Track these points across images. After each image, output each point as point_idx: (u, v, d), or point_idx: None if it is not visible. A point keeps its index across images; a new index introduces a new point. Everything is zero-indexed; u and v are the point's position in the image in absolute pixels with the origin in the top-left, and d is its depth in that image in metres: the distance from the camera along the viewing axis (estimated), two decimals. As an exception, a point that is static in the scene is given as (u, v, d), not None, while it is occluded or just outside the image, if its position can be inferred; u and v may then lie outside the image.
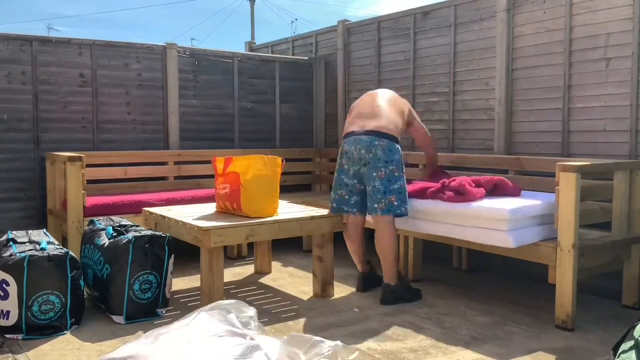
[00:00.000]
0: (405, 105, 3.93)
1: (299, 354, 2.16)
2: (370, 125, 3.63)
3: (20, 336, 2.95)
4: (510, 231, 3.27)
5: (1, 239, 3.35)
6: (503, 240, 3.29)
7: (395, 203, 3.56)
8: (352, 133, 3.69)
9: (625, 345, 2.02)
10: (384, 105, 3.75)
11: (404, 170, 3.64)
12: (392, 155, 3.56)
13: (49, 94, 4.69)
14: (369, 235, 3.90)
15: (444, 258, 4.58)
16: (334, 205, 3.79)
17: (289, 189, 5.54)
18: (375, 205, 3.58)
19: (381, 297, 3.62)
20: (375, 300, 3.66)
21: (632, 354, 1.95)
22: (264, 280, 4.21)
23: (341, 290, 3.88)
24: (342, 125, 5.91)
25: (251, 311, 2.46)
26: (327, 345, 2.22)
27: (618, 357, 1.99)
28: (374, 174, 3.56)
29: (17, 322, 2.95)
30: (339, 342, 2.24)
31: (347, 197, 3.73)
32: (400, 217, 3.66)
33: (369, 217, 3.79)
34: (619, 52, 3.71)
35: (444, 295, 3.80)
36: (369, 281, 3.90)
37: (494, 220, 3.32)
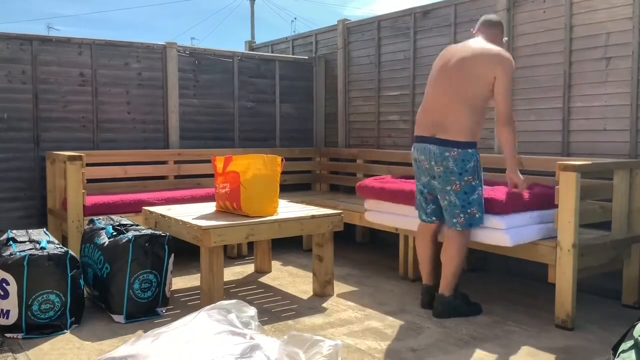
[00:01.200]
0: (494, 74, 3.19)
1: (299, 353, 2.16)
2: (441, 132, 3.24)
3: (20, 335, 2.95)
4: (508, 230, 3.28)
5: (1, 238, 3.35)
6: (500, 239, 3.30)
7: (477, 215, 3.26)
8: (421, 138, 3.35)
9: (625, 345, 2.02)
10: (456, 99, 3.24)
11: (480, 177, 3.28)
12: (466, 165, 3.21)
13: (49, 94, 4.69)
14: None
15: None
16: (419, 211, 3.54)
17: (289, 189, 5.55)
18: (454, 220, 3.27)
19: (433, 309, 3.36)
20: (375, 300, 3.66)
21: (632, 353, 1.95)
22: (264, 279, 4.21)
23: (341, 290, 3.88)
24: (342, 125, 5.93)
25: (252, 311, 2.46)
26: (327, 344, 2.22)
27: (618, 357, 1.99)
28: (448, 187, 3.25)
29: (17, 321, 2.95)
30: (339, 342, 2.24)
31: (424, 205, 3.47)
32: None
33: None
34: (618, 52, 3.71)
35: (444, 294, 3.80)
36: (433, 295, 3.45)
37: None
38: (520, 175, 3.36)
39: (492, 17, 3.52)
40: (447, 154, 3.20)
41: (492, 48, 3.27)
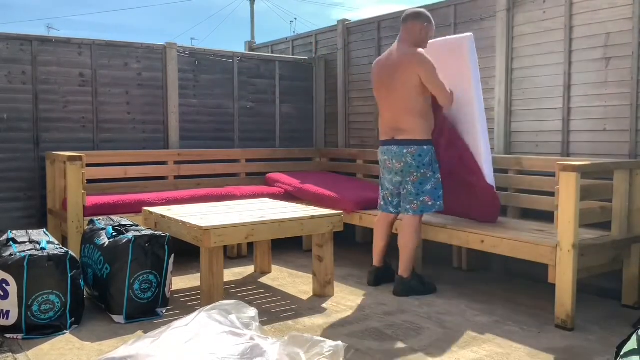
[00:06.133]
0: (418, 74, 3.61)
1: (299, 353, 2.16)
2: (398, 135, 3.73)
3: (20, 336, 2.95)
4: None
5: (1, 239, 3.34)
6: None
7: (430, 203, 3.72)
8: (384, 142, 3.85)
9: (626, 347, 2.01)
10: (403, 108, 3.69)
11: (435, 168, 3.74)
12: (423, 159, 3.68)
13: (49, 94, 4.69)
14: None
15: (444, 258, 4.58)
16: (382, 203, 3.99)
17: (289, 189, 5.54)
18: (408, 207, 3.75)
19: (394, 289, 3.79)
20: (375, 300, 3.67)
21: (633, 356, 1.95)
22: (264, 280, 4.21)
23: (341, 290, 3.88)
24: (342, 125, 5.93)
25: (252, 312, 2.46)
26: (328, 345, 2.22)
27: (620, 358, 1.99)
28: (408, 179, 3.73)
29: (17, 321, 2.95)
30: (339, 342, 2.25)
31: (390, 199, 3.91)
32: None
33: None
34: (619, 52, 3.71)
35: (444, 295, 3.80)
36: (380, 276, 4.00)
37: None
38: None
39: (407, 11, 3.86)
40: (405, 151, 3.68)
41: (407, 52, 3.67)
